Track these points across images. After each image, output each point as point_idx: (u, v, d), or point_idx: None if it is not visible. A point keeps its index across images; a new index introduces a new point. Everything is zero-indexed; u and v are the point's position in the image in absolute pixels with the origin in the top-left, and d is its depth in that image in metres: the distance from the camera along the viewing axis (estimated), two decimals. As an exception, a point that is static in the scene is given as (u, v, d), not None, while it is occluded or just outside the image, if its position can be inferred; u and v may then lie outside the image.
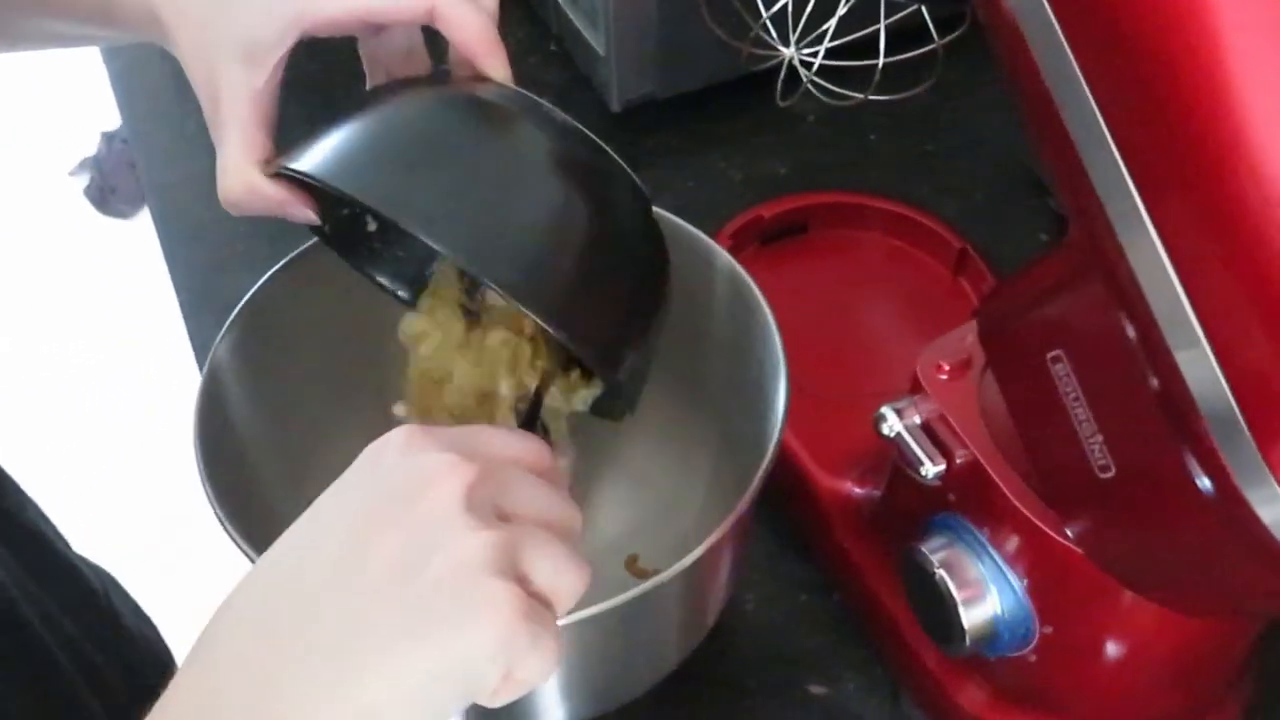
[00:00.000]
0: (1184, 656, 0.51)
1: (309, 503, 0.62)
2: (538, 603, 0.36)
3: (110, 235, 2.17)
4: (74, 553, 0.69)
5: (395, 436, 0.39)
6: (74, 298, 2.06)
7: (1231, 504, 0.36)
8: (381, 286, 0.57)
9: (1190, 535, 0.41)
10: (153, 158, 0.91)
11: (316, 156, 0.46)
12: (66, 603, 0.61)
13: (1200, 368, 0.35)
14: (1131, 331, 0.38)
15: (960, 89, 0.88)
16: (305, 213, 0.50)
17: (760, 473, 0.50)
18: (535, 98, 0.49)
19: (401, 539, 0.35)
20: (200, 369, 0.78)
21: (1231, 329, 0.34)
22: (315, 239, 0.57)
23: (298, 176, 0.46)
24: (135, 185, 2.16)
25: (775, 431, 0.52)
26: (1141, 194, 0.35)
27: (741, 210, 0.78)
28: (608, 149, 0.49)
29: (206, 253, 0.84)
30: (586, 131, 0.48)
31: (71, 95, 2.23)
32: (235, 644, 0.36)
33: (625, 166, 0.49)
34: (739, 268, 0.57)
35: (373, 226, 0.55)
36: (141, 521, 1.74)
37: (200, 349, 0.78)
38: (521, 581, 0.36)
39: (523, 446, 0.41)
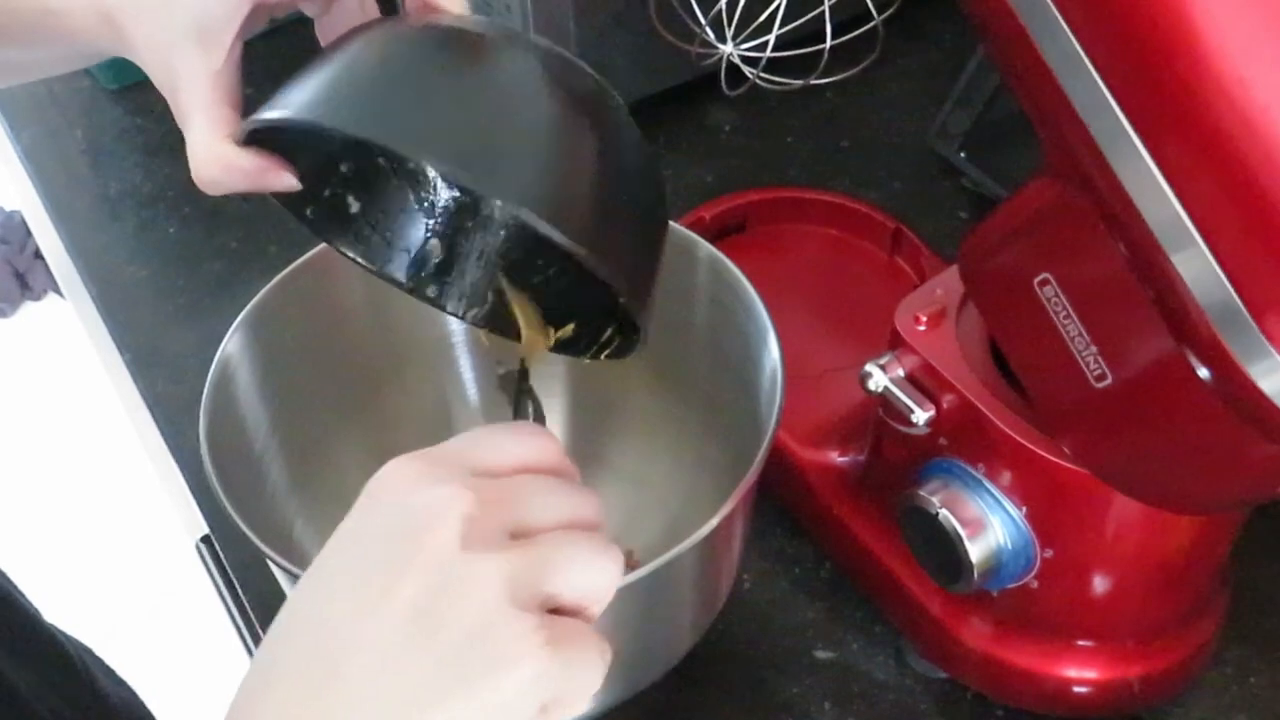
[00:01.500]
0: (1175, 560, 0.54)
1: (313, 500, 0.62)
2: (568, 619, 0.36)
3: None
4: (47, 622, 0.67)
5: (389, 474, 0.37)
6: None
7: (1234, 385, 0.39)
8: (374, 272, 0.53)
9: (1191, 429, 0.44)
10: (76, 225, 0.89)
11: (290, 102, 0.41)
12: (47, 673, 0.60)
13: (1196, 264, 0.38)
14: (1121, 245, 0.42)
15: (861, 87, 0.93)
16: (285, 178, 0.45)
17: (767, 438, 0.52)
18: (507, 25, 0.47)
19: (413, 589, 0.34)
20: (155, 422, 0.77)
21: (1225, 222, 0.37)
22: (316, 249, 0.57)
23: (272, 126, 0.42)
24: (12, 283, 2.11)
25: (775, 402, 0.54)
26: (1124, 110, 0.38)
27: (675, 216, 0.81)
28: (589, 68, 0.44)
29: (146, 310, 0.83)
30: (567, 53, 0.44)
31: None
32: (275, 706, 0.35)
33: (608, 85, 0.44)
34: (719, 254, 0.59)
35: (355, 207, 0.51)
36: (105, 587, 1.68)
37: (154, 404, 0.78)
38: (549, 601, 0.35)
39: (524, 449, 0.40)
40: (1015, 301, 0.48)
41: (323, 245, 0.58)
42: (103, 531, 1.77)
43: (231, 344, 0.57)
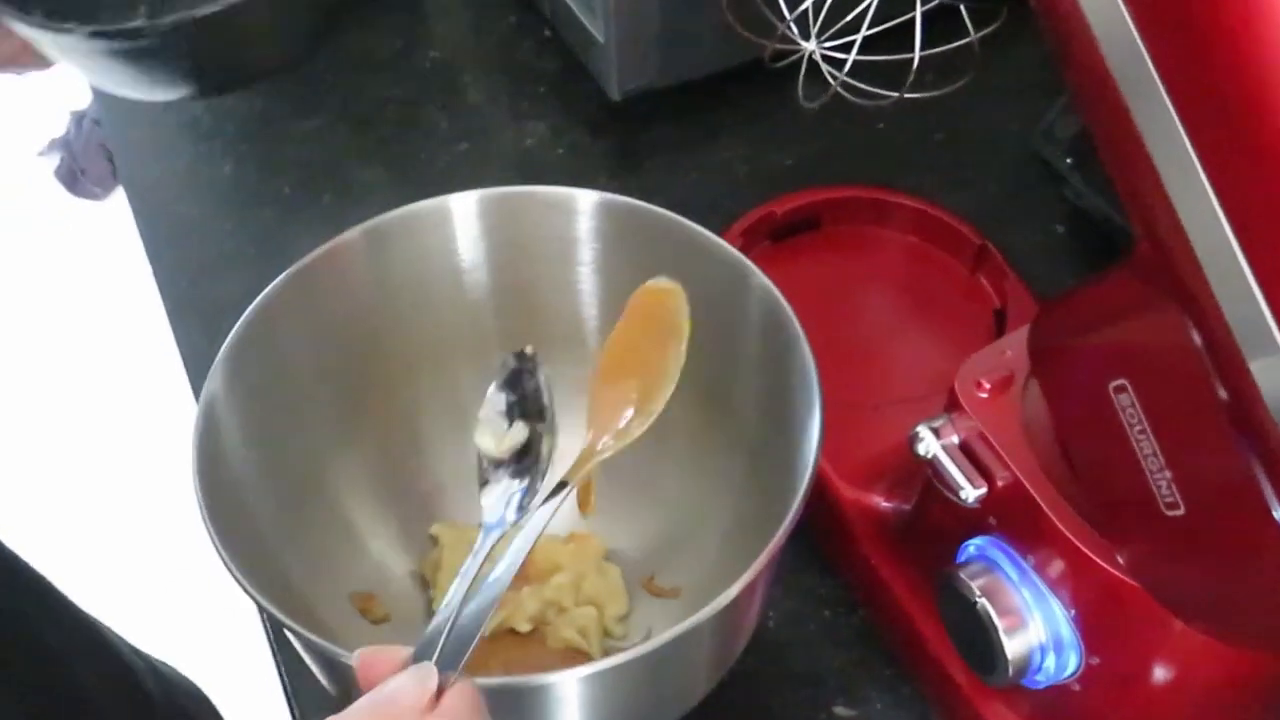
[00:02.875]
0: (1233, 687, 0.49)
1: (308, 525, 0.59)
2: None
3: (82, 217, 2.12)
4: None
5: None
6: (47, 281, 2.02)
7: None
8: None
9: (1264, 571, 0.39)
10: (131, 154, 0.87)
11: None
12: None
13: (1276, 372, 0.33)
14: (1206, 353, 0.36)
15: (964, 75, 0.85)
16: None
17: (795, 504, 0.48)
18: None
19: None
20: (188, 375, 0.75)
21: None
22: (313, 254, 0.54)
23: None
24: (106, 166, 2.11)
25: (810, 458, 0.49)
26: (1221, 204, 0.33)
27: (746, 204, 0.75)
28: None
29: (190, 253, 0.80)
30: None
31: (38, 74, 2.17)
32: None
33: None
34: (774, 288, 0.54)
35: None
36: (119, 530, 1.71)
37: (187, 355, 0.75)
38: None
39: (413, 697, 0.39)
40: (1086, 400, 0.42)
41: (299, 265, 0.56)
42: (147, 431, 1.78)
43: (213, 383, 0.53)
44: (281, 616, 0.46)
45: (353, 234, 0.58)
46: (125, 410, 1.81)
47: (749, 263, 0.56)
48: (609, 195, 0.59)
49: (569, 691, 0.47)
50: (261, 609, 0.47)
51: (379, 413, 0.62)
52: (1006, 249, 0.72)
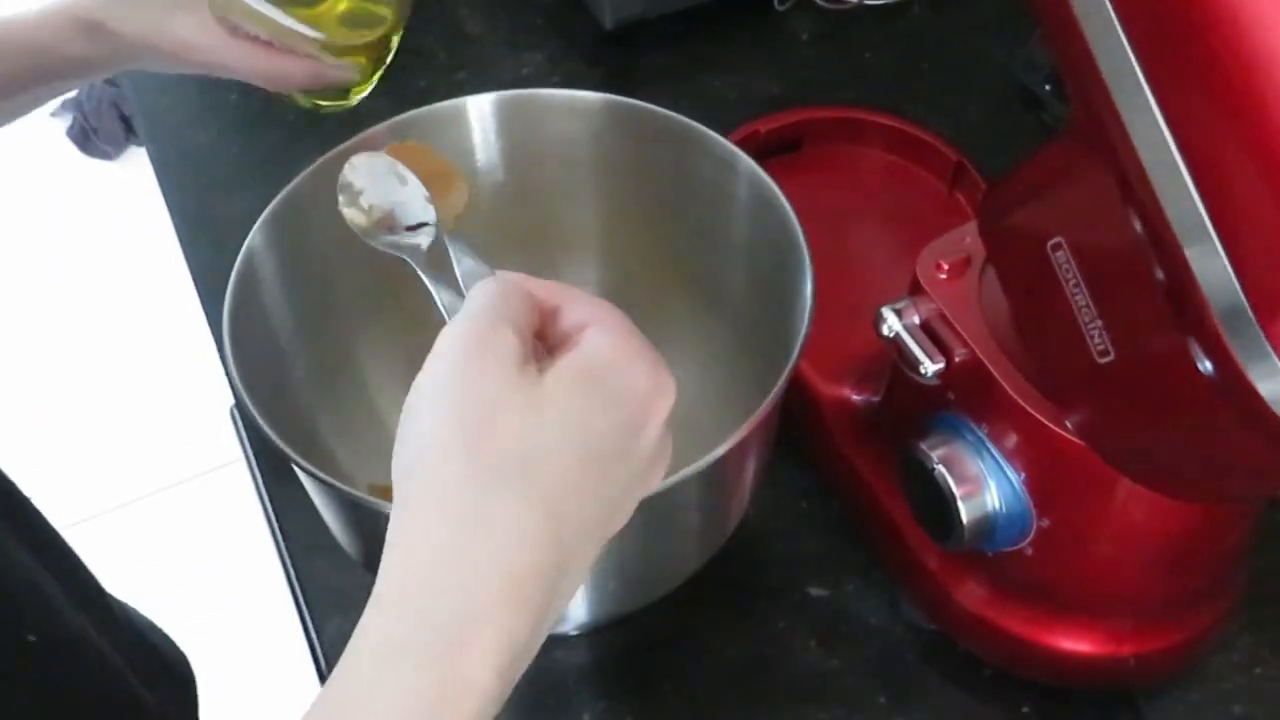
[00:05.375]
0: (1178, 544, 0.52)
1: (336, 399, 0.62)
2: None
3: (94, 176, 2.15)
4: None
5: (618, 349, 0.39)
6: (60, 240, 2.05)
7: (1233, 383, 0.37)
8: None
9: (1189, 418, 0.42)
10: (143, 83, 0.90)
11: None
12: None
13: (1207, 257, 0.36)
14: (1137, 221, 0.39)
15: (951, 4, 0.88)
16: None
17: (785, 373, 0.51)
18: None
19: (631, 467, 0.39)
20: (197, 291, 0.78)
21: (1240, 219, 0.35)
22: (349, 142, 0.59)
23: None
24: (118, 126, 2.14)
25: (800, 336, 0.52)
26: (1150, 83, 0.36)
27: (734, 127, 0.78)
28: None
29: (200, 176, 0.84)
30: None
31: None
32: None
33: None
34: (760, 171, 0.58)
35: None
36: (146, 475, 1.75)
37: (198, 275, 0.79)
38: None
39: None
40: (1028, 261, 0.45)
41: (356, 138, 0.59)
42: (165, 387, 1.81)
43: (256, 239, 0.57)
44: (304, 463, 0.49)
45: (378, 129, 0.61)
46: (143, 365, 1.85)
47: (738, 150, 0.59)
48: (610, 96, 0.63)
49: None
50: (284, 454, 0.50)
51: (401, 302, 0.65)
52: (986, 171, 0.75)
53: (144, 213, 2.16)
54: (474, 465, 0.36)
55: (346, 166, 0.50)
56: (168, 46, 0.60)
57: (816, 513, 0.66)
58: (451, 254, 0.46)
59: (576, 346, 0.39)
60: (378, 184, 0.50)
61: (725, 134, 0.78)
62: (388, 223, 0.50)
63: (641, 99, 0.88)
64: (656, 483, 0.41)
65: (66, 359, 1.89)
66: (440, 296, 0.45)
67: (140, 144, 2.19)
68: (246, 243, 0.57)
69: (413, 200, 0.49)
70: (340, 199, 0.50)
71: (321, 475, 0.49)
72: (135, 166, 2.16)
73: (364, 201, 0.50)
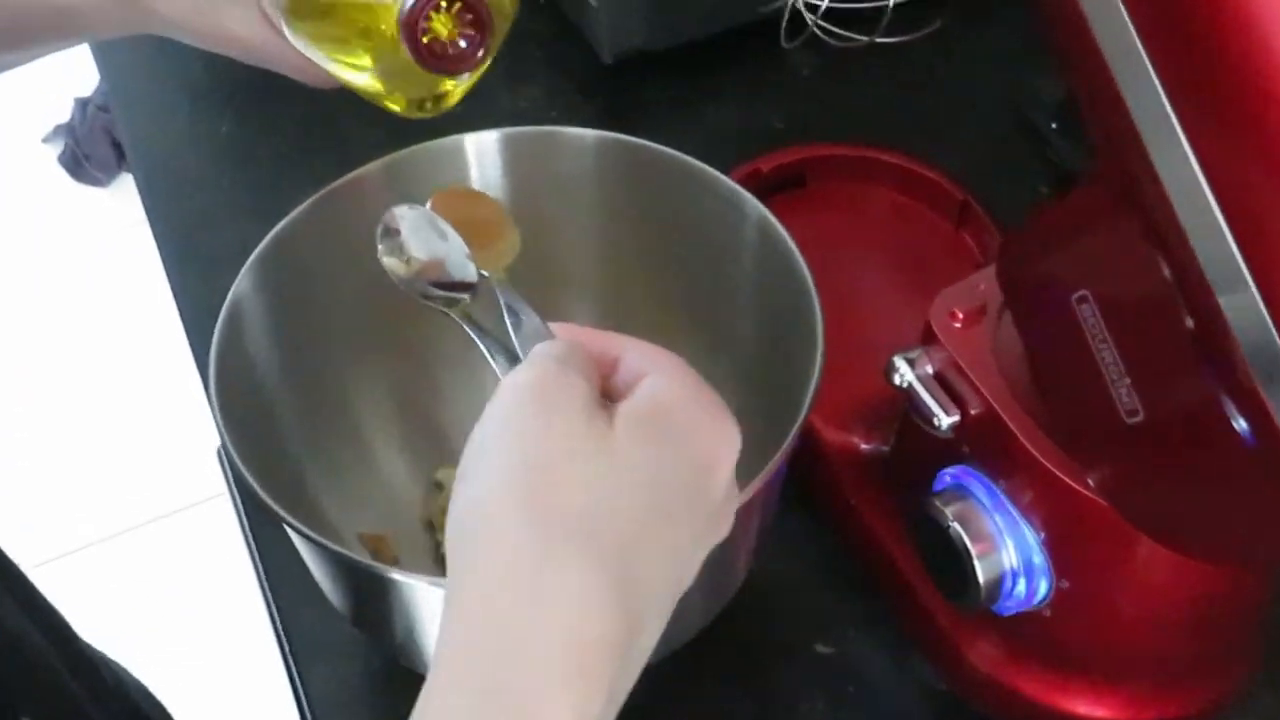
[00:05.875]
0: (1201, 606, 0.50)
1: (323, 444, 0.59)
2: None
3: (86, 203, 2.13)
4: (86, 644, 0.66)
5: (681, 396, 0.37)
6: (51, 266, 2.03)
7: (1271, 445, 0.35)
8: None
9: (1223, 480, 0.40)
10: (134, 112, 0.88)
11: None
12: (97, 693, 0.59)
13: (1245, 309, 0.34)
14: (1167, 271, 0.37)
15: (957, 40, 0.87)
16: None
17: (796, 425, 0.49)
18: None
19: (696, 525, 0.37)
20: (184, 325, 0.76)
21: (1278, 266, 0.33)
22: (340, 181, 0.56)
23: None
24: (110, 152, 2.12)
25: (810, 387, 0.50)
26: (1183, 126, 0.34)
27: (735, 163, 0.76)
28: None
29: (191, 207, 0.82)
30: None
31: (44, 60, 2.18)
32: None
33: None
34: (769, 215, 0.56)
35: None
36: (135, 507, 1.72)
37: (185, 310, 0.76)
38: None
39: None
40: (1051, 315, 0.43)
41: (347, 177, 0.56)
42: (151, 419, 1.78)
43: (243, 284, 0.55)
44: (293, 520, 0.47)
45: (372, 167, 0.59)
46: (130, 396, 1.82)
47: (745, 193, 0.57)
48: (613, 134, 0.61)
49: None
50: (270, 511, 0.48)
51: (395, 345, 0.63)
52: (991, 209, 0.73)
53: (135, 241, 2.15)
54: (537, 526, 0.33)
55: (387, 215, 0.48)
56: (209, 33, 0.55)
57: (823, 565, 0.64)
58: (503, 308, 0.44)
59: (639, 393, 0.37)
60: (419, 236, 0.48)
61: (727, 169, 0.76)
62: (430, 274, 0.47)
63: (641, 132, 0.87)
64: (724, 533, 0.38)
65: (55, 385, 1.86)
66: (490, 354, 0.43)
67: (131, 170, 2.17)
68: (232, 290, 0.54)
69: (454, 256, 0.47)
70: (380, 247, 0.48)
71: (313, 535, 0.47)
72: (128, 194, 2.14)
73: (405, 252, 0.48)
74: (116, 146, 2.12)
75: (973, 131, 0.83)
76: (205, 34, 0.55)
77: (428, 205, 0.47)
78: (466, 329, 0.45)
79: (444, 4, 0.46)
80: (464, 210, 0.48)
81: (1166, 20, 0.33)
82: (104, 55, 0.93)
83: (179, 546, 1.66)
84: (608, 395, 0.38)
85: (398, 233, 0.48)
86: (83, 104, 2.17)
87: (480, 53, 0.47)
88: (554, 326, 0.41)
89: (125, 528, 1.69)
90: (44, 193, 2.13)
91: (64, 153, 2.15)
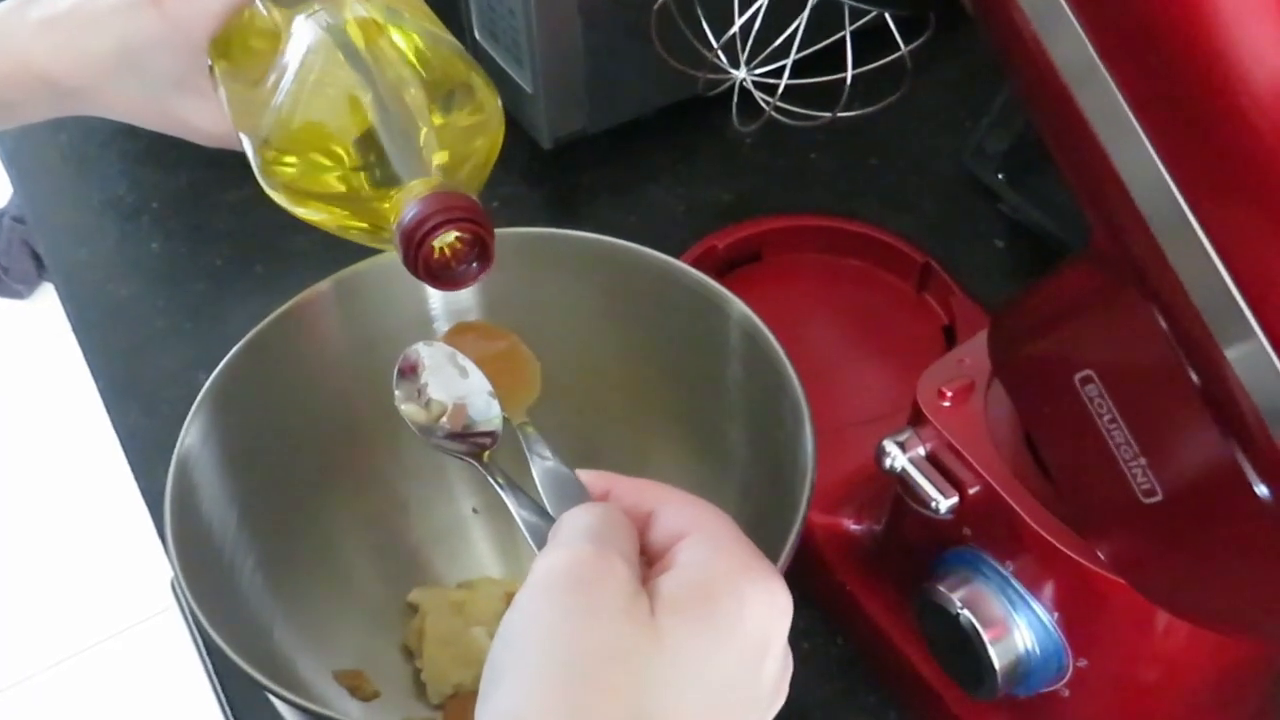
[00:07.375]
0: (1223, 679, 0.48)
1: (291, 582, 0.56)
2: None
3: (6, 317, 2.07)
4: None
5: (757, 593, 0.36)
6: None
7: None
8: None
9: (1244, 550, 0.38)
10: (56, 237, 0.85)
11: None
12: None
13: (1254, 360, 0.33)
14: (1172, 335, 0.36)
15: (898, 102, 0.86)
16: None
17: (793, 535, 0.46)
18: None
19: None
20: (127, 458, 0.73)
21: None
22: (289, 304, 0.53)
23: None
24: (30, 265, 2.07)
25: (804, 494, 0.48)
26: (1183, 192, 0.32)
27: (688, 241, 0.75)
28: None
29: (124, 334, 0.78)
30: None
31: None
32: None
33: None
34: (754, 317, 0.53)
35: None
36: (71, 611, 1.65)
37: (127, 437, 0.73)
38: None
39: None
40: (1052, 396, 0.42)
41: (296, 299, 0.54)
42: (97, 532, 1.72)
43: (189, 437, 0.51)
44: (272, 685, 0.44)
45: (321, 286, 0.56)
46: (67, 513, 1.76)
47: (726, 291, 0.55)
48: (584, 234, 0.58)
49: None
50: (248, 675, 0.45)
51: (355, 466, 0.60)
52: (949, 266, 0.73)
53: (62, 351, 2.09)
54: None
55: (406, 354, 0.45)
56: (165, 123, 0.52)
57: (821, 654, 0.61)
58: (529, 457, 0.41)
59: (681, 567, 0.34)
60: (439, 376, 0.44)
61: (681, 247, 0.75)
62: (452, 418, 0.44)
63: (588, 217, 0.85)
64: (780, 705, 0.36)
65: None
66: (517, 510, 0.40)
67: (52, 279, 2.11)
68: (180, 441, 0.50)
69: (476, 397, 0.44)
70: (397, 394, 0.44)
71: (297, 700, 0.43)
72: (49, 303, 2.08)
73: (425, 396, 0.44)
74: (36, 257, 2.07)
75: (922, 191, 0.82)
76: (161, 123, 0.53)
77: (439, 340, 0.45)
78: (491, 481, 0.42)
79: (442, 229, 0.42)
80: (480, 347, 0.45)
81: (1166, 95, 0.32)
82: (20, 173, 0.89)
83: (129, 666, 1.59)
84: (644, 552, 0.35)
85: (414, 373, 0.45)
86: (-2, 217, 2.12)
87: (480, 276, 0.44)
88: (584, 476, 0.38)
89: (72, 652, 1.62)
90: (-37, 309, 2.07)
91: (-19, 267, 2.09)
